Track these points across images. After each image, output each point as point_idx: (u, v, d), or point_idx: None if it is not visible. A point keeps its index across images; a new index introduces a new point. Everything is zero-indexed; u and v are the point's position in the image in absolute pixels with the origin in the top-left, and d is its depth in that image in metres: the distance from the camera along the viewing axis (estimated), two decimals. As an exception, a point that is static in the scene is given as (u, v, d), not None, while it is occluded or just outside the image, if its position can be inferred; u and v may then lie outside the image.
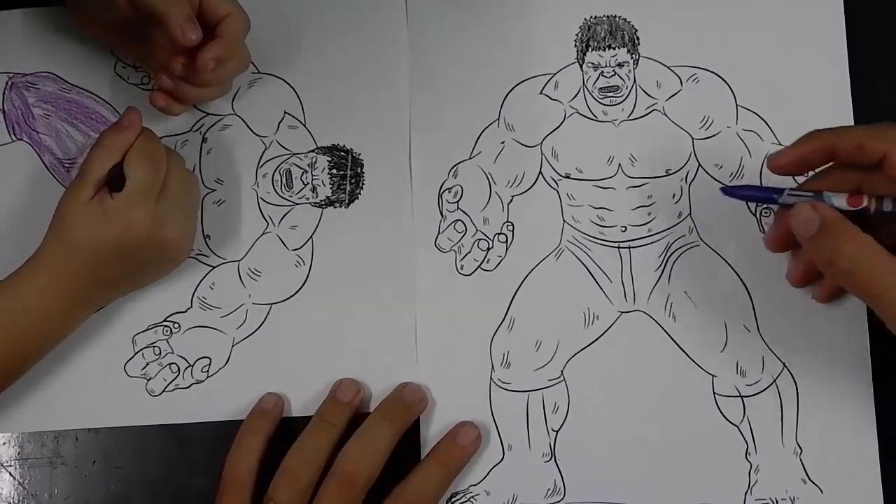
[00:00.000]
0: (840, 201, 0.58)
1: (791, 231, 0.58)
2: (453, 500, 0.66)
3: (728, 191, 0.61)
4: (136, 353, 0.68)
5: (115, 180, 0.63)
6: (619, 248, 0.68)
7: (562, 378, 0.67)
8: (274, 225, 0.70)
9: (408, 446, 0.65)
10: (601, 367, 0.67)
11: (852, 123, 0.68)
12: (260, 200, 0.70)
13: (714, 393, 0.66)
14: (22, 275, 0.63)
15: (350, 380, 0.66)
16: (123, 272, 0.65)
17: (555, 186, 0.69)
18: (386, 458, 0.63)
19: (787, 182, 0.63)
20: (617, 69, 0.70)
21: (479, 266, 0.68)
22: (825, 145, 0.58)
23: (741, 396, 0.66)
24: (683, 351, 0.67)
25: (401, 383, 0.66)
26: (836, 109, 0.68)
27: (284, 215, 0.70)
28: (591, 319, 0.67)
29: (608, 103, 0.69)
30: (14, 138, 0.71)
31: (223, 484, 0.63)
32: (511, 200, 0.69)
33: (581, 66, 0.70)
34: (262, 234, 0.70)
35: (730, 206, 0.68)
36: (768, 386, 0.66)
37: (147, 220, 0.62)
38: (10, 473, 0.68)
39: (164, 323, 0.69)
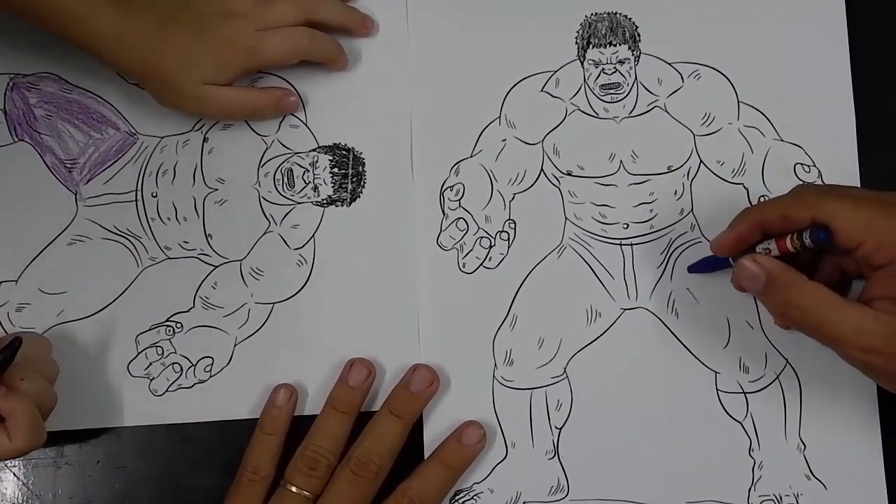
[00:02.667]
0: (773, 249, 0.59)
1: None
2: (457, 498, 0.66)
3: (692, 268, 0.67)
4: (139, 353, 0.68)
5: None
6: (621, 245, 0.68)
7: (564, 375, 0.67)
8: (276, 224, 0.70)
9: (411, 445, 0.65)
10: (604, 364, 0.67)
11: (853, 121, 0.68)
12: (262, 200, 0.70)
13: (717, 389, 0.66)
14: None
15: (361, 360, 0.66)
16: None
17: (556, 184, 0.69)
18: (398, 451, 0.64)
19: None
20: (618, 66, 0.69)
21: (481, 264, 0.68)
22: (755, 222, 0.60)
23: (744, 393, 0.66)
24: (686, 348, 0.67)
25: (410, 367, 0.66)
26: (838, 105, 0.68)
27: (286, 214, 0.70)
28: (594, 317, 0.67)
29: (609, 100, 0.69)
30: (16, 139, 0.71)
31: (239, 476, 0.64)
32: (513, 198, 0.69)
33: (582, 63, 0.70)
34: (264, 233, 0.70)
35: (731, 202, 0.68)
36: (771, 382, 0.66)
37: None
38: (14, 474, 0.68)
39: (167, 323, 0.69)
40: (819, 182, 0.68)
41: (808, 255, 0.59)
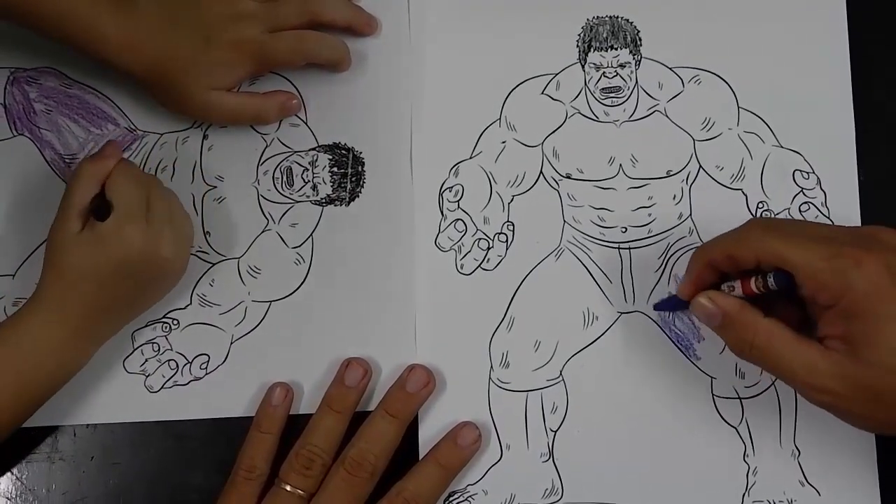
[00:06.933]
0: (738, 290, 0.59)
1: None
2: (451, 499, 0.66)
3: (658, 306, 0.66)
4: (135, 350, 0.68)
5: (98, 210, 0.63)
6: (619, 248, 0.68)
7: (560, 378, 0.67)
8: (274, 222, 0.70)
9: (406, 445, 0.65)
10: (600, 367, 0.67)
11: (853, 128, 0.68)
12: (260, 198, 0.70)
13: (713, 395, 0.66)
14: (25, 313, 0.62)
15: (357, 360, 0.66)
16: (124, 297, 0.64)
17: (555, 187, 0.69)
18: (393, 451, 0.64)
19: None
20: (619, 70, 0.70)
21: (479, 265, 0.68)
22: (705, 262, 0.60)
23: (740, 398, 0.66)
24: (682, 352, 0.67)
25: (406, 367, 0.66)
26: (838, 111, 0.68)
27: (285, 213, 0.70)
28: (591, 320, 0.67)
29: (610, 104, 0.69)
30: (15, 133, 0.71)
31: (234, 474, 0.64)
32: (512, 200, 0.69)
33: (583, 66, 0.70)
34: (263, 231, 0.70)
35: (730, 208, 0.68)
36: (767, 388, 0.66)
37: (141, 238, 0.62)
38: (8, 468, 0.68)
39: (164, 319, 0.69)
40: (818, 189, 0.68)
41: (774, 295, 0.59)
